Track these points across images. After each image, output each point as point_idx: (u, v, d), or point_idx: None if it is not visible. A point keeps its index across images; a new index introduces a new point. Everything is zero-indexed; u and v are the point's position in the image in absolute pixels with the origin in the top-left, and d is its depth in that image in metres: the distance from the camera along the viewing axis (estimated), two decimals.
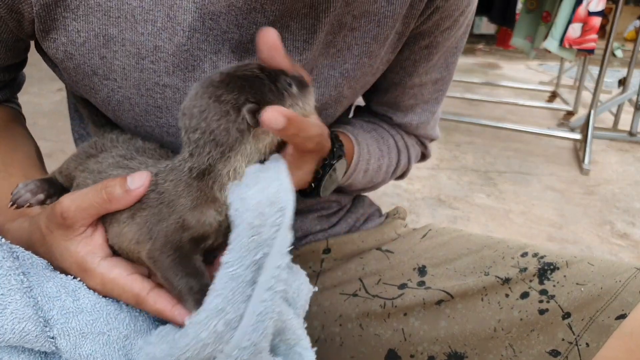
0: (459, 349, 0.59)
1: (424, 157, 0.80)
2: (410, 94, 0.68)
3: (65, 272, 0.46)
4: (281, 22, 0.52)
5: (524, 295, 0.58)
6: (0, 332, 0.40)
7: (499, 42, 3.66)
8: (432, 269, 0.65)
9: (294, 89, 0.46)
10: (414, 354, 0.61)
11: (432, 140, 0.77)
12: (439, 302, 0.61)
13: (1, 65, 0.59)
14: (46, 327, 0.42)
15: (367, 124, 0.71)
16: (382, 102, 0.70)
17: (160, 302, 0.43)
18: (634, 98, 2.96)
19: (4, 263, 0.42)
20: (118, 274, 0.44)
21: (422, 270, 0.65)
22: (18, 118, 0.68)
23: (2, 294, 0.40)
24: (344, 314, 0.65)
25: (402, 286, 0.64)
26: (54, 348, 0.43)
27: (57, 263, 0.46)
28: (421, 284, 0.63)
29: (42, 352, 0.43)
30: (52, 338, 0.42)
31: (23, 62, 0.65)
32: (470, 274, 0.62)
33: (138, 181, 0.44)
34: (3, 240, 0.44)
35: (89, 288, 0.45)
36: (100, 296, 0.46)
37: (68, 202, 0.44)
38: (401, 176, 0.76)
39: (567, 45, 2.62)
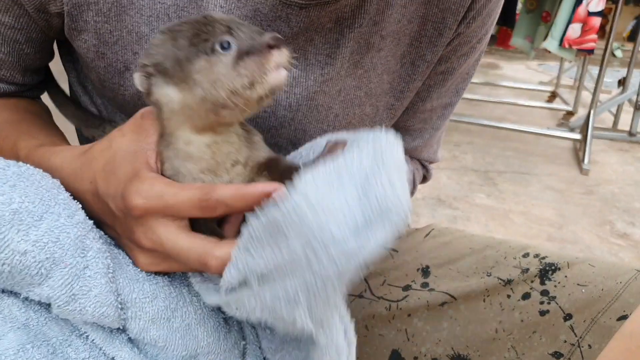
0: (462, 351, 0.59)
1: (424, 179, 0.81)
2: (420, 118, 0.69)
3: (115, 183, 0.43)
4: (305, 35, 0.53)
5: (525, 296, 0.58)
6: (82, 312, 0.41)
7: (498, 42, 3.65)
8: (435, 269, 0.65)
9: (227, 56, 0.40)
10: (417, 356, 0.61)
11: (432, 163, 0.79)
12: (442, 304, 0.62)
13: (31, 66, 0.61)
14: (122, 310, 0.43)
15: None
16: (392, 127, 0.71)
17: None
18: (634, 98, 2.97)
19: (95, 244, 0.43)
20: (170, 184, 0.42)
21: (425, 271, 0.65)
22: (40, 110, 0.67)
23: (89, 276, 0.41)
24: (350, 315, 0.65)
25: (406, 288, 0.64)
26: (121, 327, 0.44)
27: (111, 170, 0.44)
28: (425, 285, 0.64)
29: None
30: (124, 319, 0.44)
31: (47, 66, 0.66)
32: (472, 274, 0.62)
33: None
34: (92, 222, 0.44)
35: (133, 196, 0.41)
36: (172, 283, 0.47)
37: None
38: None
39: (566, 45, 2.62)
